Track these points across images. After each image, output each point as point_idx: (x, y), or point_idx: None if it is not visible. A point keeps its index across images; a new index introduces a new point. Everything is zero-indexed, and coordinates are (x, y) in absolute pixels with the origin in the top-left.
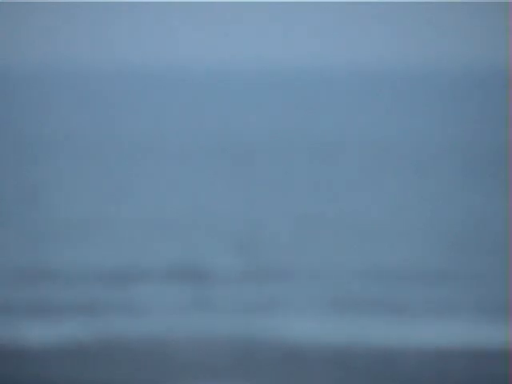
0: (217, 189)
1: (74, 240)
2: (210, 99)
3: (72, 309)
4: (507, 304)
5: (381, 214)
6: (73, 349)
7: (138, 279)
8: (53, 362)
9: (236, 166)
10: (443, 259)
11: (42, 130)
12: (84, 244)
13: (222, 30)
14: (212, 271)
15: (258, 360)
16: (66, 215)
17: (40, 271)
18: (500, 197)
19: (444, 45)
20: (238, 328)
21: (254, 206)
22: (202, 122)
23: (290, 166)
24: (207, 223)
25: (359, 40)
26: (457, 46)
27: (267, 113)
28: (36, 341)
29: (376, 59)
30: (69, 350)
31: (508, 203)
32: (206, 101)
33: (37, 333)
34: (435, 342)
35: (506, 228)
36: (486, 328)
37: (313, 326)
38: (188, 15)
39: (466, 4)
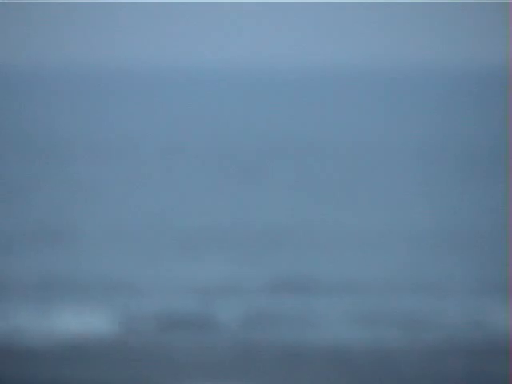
0: (210, 192)
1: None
2: (208, 99)
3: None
4: None
5: (380, 219)
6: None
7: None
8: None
9: (229, 167)
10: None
11: (37, 130)
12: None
13: (221, 30)
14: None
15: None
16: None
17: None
18: (500, 197)
19: (444, 45)
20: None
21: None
22: (198, 123)
23: (286, 167)
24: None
25: (359, 40)
26: (457, 45)
27: (263, 113)
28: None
29: (376, 59)
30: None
31: (508, 203)
32: (202, 101)
33: None
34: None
35: (506, 229)
36: None
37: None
38: (186, 15)
39: (466, 4)
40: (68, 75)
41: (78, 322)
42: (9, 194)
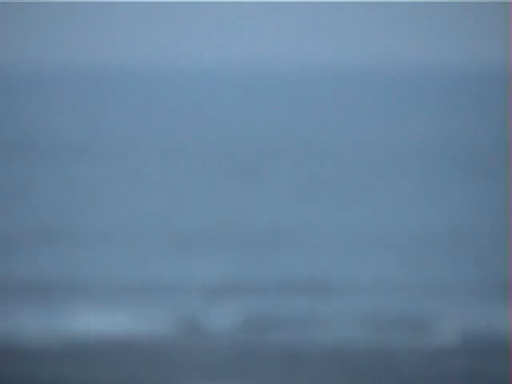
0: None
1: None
2: (208, 99)
3: None
4: None
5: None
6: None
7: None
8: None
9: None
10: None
11: (36, 130)
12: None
13: (221, 30)
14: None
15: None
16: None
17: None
18: (500, 197)
19: (444, 45)
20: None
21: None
22: (198, 123)
23: (281, 169)
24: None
25: (359, 40)
26: (457, 45)
27: (263, 113)
28: None
29: (376, 59)
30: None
31: (508, 203)
32: (202, 101)
33: None
34: None
35: (506, 229)
36: None
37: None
38: (186, 15)
39: (466, 4)
40: (68, 75)
41: (78, 322)
42: (9, 194)
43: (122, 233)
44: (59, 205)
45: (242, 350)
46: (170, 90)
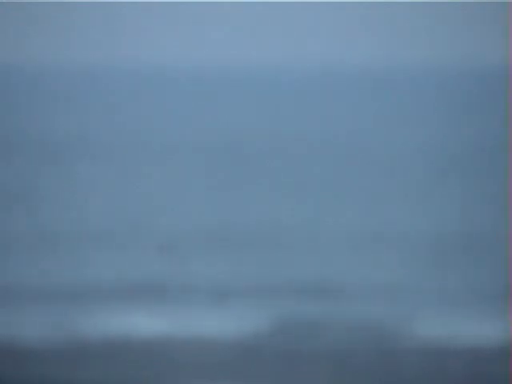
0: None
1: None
2: (208, 99)
3: None
4: None
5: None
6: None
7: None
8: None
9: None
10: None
11: (36, 130)
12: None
13: (221, 30)
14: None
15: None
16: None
17: None
18: (500, 197)
19: (444, 45)
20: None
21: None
22: (198, 123)
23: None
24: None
25: (359, 40)
26: (457, 45)
27: (263, 113)
28: None
29: (376, 59)
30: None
31: (508, 203)
32: (202, 101)
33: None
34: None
35: (506, 230)
36: None
37: None
38: (186, 15)
39: (466, 4)
40: (68, 75)
41: (78, 322)
42: (8, 194)
43: (121, 233)
44: (58, 205)
45: (240, 349)
46: (170, 90)
